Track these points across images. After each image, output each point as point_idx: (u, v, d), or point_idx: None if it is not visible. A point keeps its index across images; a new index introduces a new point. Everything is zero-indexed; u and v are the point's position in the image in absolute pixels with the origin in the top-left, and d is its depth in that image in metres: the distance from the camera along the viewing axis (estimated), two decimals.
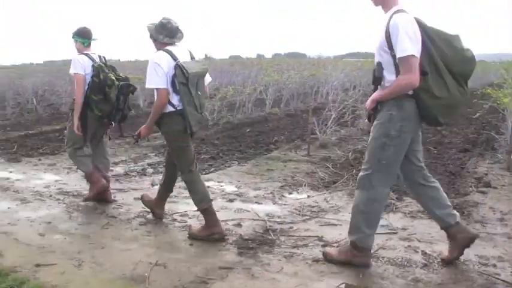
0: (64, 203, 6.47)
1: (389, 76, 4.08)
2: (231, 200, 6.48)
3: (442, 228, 4.51)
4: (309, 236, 4.97)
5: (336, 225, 5.44)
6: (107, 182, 6.43)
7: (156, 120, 5.06)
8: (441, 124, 4.31)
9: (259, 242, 4.99)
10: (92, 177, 6.30)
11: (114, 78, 5.95)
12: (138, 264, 4.52)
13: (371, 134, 4.27)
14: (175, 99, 4.95)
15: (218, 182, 7.36)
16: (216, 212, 5.32)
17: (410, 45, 3.86)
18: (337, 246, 4.76)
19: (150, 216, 5.84)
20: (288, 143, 10.16)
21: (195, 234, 5.17)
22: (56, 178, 7.55)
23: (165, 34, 5.07)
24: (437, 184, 4.48)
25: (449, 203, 4.47)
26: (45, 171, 8.24)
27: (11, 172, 8.05)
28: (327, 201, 6.37)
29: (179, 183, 7.10)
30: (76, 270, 4.44)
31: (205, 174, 7.75)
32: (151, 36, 5.17)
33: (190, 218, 5.78)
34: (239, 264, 4.51)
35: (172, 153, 5.34)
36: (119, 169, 8.12)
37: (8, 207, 6.34)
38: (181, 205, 6.27)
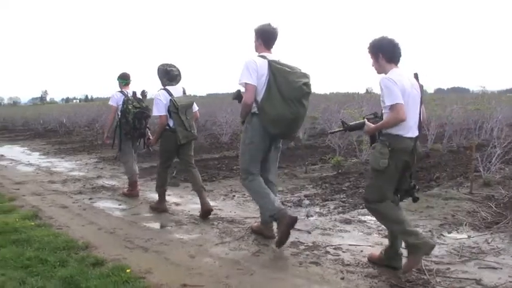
0: (217, 228, 6.47)
1: None
2: (387, 236, 6.07)
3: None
4: (466, 279, 4.48)
5: (495, 268, 4.87)
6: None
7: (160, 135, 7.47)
8: (276, 135, 5.72)
9: (413, 282, 4.57)
10: (132, 180, 8.80)
11: (131, 107, 8.27)
12: None
13: None
14: (170, 122, 7.27)
15: None
16: (371, 248, 5.54)
17: (246, 76, 5.50)
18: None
19: (303, 246, 5.65)
20: (449, 180, 9.47)
21: (153, 206, 7.68)
22: (211, 204, 7.48)
23: (167, 78, 7.46)
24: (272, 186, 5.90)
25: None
26: None
27: (169, 195, 8.23)
28: (488, 243, 5.73)
29: (334, 216, 6.88)
30: None
31: (361, 208, 7.38)
32: (158, 76, 7.51)
33: (344, 251, 5.47)
34: None
35: (160, 154, 7.68)
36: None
37: (163, 228, 6.47)
38: (336, 238, 5.98)
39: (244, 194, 8.37)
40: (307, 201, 7.89)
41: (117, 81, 8.94)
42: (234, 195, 8.52)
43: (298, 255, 5.39)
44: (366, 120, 4.89)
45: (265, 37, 5.80)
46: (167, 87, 7.36)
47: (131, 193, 8.67)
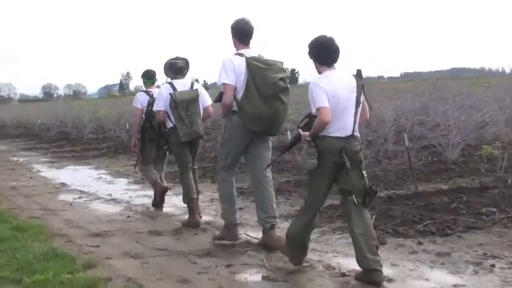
0: None
1: None
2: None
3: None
4: None
5: None
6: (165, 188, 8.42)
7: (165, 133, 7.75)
8: (256, 133, 5.83)
9: None
10: (155, 185, 8.37)
11: None
12: None
13: None
14: (172, 118, 7.30)
15: None
16: None
17: (224, 76, 5.82)
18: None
19: None
20: None
21: (184, 223, 7.25)
22: (452, 281, 4.45)
23: (171, 72, 7.57)
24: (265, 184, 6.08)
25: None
26: (432, 264, 5.13)
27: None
28: None
29: None
30: None
31: None
32: (163, 70, 7.68)
33: None
34: None
35: (174, 156, 7.82)
36: None
37: None
38: None
39: (510, 261, 5.04)
40: None
41: (141, 80, 8.83)
42: (493, 265, 5.00)
43: None
44: (300, 131, 4.95)
45: (239, 34, 6.03)
46: (172, 80, 7.48)
47: (158, 197, 8.37)
